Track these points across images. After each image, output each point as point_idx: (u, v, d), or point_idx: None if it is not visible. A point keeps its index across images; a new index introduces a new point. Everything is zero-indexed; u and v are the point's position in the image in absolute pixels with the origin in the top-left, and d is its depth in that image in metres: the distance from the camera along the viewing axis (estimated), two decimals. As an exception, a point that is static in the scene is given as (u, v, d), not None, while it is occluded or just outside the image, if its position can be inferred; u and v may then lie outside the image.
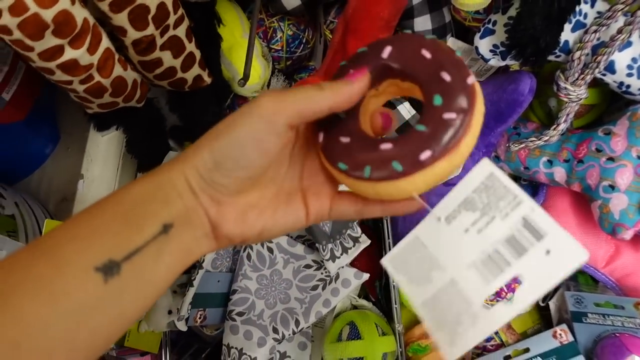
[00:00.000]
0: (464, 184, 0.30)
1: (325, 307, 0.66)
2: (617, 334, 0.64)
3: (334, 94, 0.29)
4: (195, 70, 0.53)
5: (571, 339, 0.68)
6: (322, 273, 0.68)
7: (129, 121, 0.55)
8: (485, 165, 0.29)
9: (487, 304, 0.27)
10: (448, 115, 0.28)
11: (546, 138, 0.60)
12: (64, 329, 0.24)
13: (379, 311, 0.73)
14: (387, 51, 0.31)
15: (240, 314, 0.67)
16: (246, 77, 0.47)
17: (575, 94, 0.57)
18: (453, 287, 0.28)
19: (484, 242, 0.28)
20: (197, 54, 0.53)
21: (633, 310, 0.62)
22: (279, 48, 0.72)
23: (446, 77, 0.29)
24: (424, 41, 0.31)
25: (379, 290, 0.76)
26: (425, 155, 0.28)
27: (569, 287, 0.69)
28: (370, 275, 0.72)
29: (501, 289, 0.27)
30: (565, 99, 0.58)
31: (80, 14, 0.40)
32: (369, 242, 0.67)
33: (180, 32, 0.49)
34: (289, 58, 0.73)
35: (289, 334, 0.65)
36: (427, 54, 0.30)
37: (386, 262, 0.31)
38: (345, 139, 0.30)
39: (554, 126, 0.60)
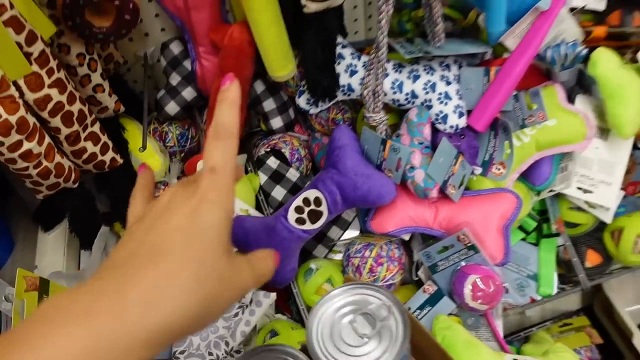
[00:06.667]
0: None
1: (247, 326, 0.82)
2: (460, 267, 0.88)
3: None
4: (110, 154, 0.78)
5: (436, 288, 0.91)
6: (239, 301, 0.87)
7: (69, 200, 0.77)
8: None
9: None
10: None
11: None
12: None
13: (295, 322, 0.92)
14: None
15: (182, 352, 0.84)
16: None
17: (378, 117, 0.87)
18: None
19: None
20: (110, 143, 0.78)
21: (459, 244, 0.86)
22: (173, 145, 0.99)
23: None
24: None
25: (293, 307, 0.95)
26: None
27: (420, 249, 0.94)
28: (280, 297, 0.92)
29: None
30: (374, 124, 0.88)
31: (31, 118, 0.64)
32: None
33: (96, 128, 0.75)
34: (182, 150, 1.00)
35: (222, 354, 0.82)
36: None
37: None
38: None
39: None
